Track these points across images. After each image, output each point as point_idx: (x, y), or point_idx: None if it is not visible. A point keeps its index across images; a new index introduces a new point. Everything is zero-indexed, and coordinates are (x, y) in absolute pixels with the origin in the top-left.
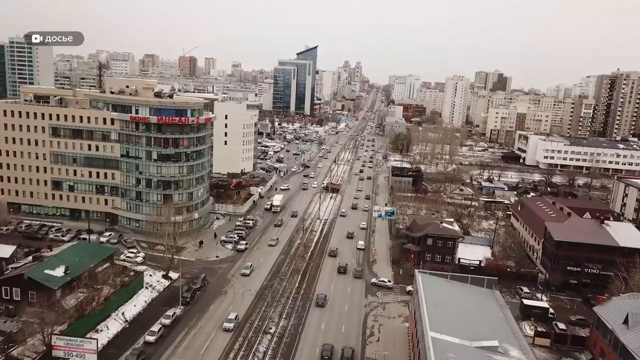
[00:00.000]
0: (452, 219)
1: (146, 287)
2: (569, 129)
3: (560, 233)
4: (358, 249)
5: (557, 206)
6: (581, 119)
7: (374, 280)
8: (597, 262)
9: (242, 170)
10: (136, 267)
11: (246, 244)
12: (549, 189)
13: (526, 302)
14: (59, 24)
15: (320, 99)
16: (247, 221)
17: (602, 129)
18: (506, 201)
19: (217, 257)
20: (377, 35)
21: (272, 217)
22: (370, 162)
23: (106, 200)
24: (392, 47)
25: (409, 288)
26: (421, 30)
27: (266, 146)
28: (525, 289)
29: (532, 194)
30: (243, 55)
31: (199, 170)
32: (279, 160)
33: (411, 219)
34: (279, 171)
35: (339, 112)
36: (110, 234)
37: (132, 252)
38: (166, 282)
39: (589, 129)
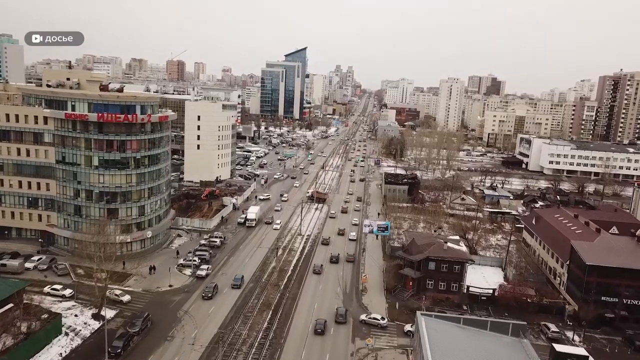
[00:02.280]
0: (457, 236)
1: (66, 333)
2: (570, 132)
3: (592, 255)
4: (350, 239)
5: (581, 220)
6: (583, 122)
7: (363, 317)
8: (638, 291)
9: (217, 177)
10: (59, 304)
11: (208, 268)
12: (558, 197)
13: (558, 347)
14: (48, 27)
15: (310, 103)
16: (213, 239)
17: (605, 132)
18: (513, 212)
19: (170, 286)
20: (370, 42)
21: (246, 233)
22: (362, 161)
23: (40, 216)
24: (384, 54)
25: (408, 327)
26: (414, 36)
27: (249, 151)
28: (553, 327)
29: (540, 203)
30: (234, 61)
31: (152, 178)
32: (262, 167)
33: (408, 237)
34: (260, 178)
35: (330, 116)
36: (40, 258)
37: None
38: (96, 324)
39: (591, 132)
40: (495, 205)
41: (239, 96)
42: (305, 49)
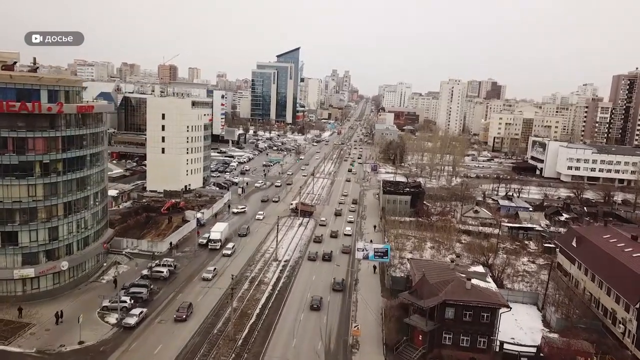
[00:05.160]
0: (481, 266)
1: None
2: (582, 135)
3: None
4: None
5: None
6: (596, 125)
7: None
8: None
9: (186, 186)
10: None
11: (141, 313)
12: (585, 208)
13: None
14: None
15: (304, 107)
16: (158, 268)
17: (619, 135)
18: (537, 227)
19: (80, 343)
20: (367, 48)
21: (207, 258)
22: (359, 159)
23: None
24: (382, 61)
25: None
26: (412, 43)
27: (231, 156)
28: None
29: (565, 215)
30: (229, 68)
31: (71, 190)
32: (243, 173)
33: (416, 268)
34: (238, 187)
35: (325, 120)
36: None
37: None
38: None
39: (606, 135)
40: (513, 219)
41: (222, 96)
42: (298, 49)
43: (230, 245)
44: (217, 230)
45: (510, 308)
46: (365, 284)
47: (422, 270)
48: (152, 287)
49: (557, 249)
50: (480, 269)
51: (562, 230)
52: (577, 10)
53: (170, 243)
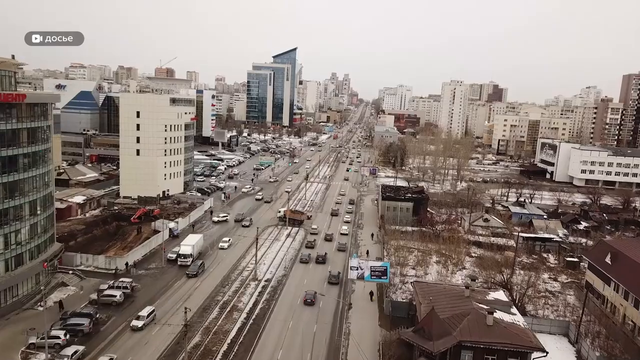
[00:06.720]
0: (502, 293)
1: None
2: (591, 138)
3: None
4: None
5: None
6: (606, 126)
7: None
8: None
9: (163, 192)
10: None
11: (76, 353)
12: (605, 215)
13: None
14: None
15: (301, 109)
16: (109, 293)
17: (631, 137)
18: (555, 237)
19: None
20: (367, 53)
21: (174, 277)
22: (358, 158)
23: None
24: (382, 63)
25: None
26: (411, 45)
27: (220, 159)
28: None
29: (584, 223)
30: (229, 71)
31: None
32: (231, 177)
33: (422, 295)
34: (221, 193)
35: (323, 123)
36: None
37: None
38: None
39: (616, 137)
40: (527, 228)
41: (213, 96)
42: (295, 49)
43: (145, 311)
44: (188, 244)
45: (547, 353)
46: (360, 310)
47: (429, 299)
48: (98, 316)
49: (586, 266)
50: (501, 295)
51: (583, 240)
52: (577, 13)
53: (127, 263)
